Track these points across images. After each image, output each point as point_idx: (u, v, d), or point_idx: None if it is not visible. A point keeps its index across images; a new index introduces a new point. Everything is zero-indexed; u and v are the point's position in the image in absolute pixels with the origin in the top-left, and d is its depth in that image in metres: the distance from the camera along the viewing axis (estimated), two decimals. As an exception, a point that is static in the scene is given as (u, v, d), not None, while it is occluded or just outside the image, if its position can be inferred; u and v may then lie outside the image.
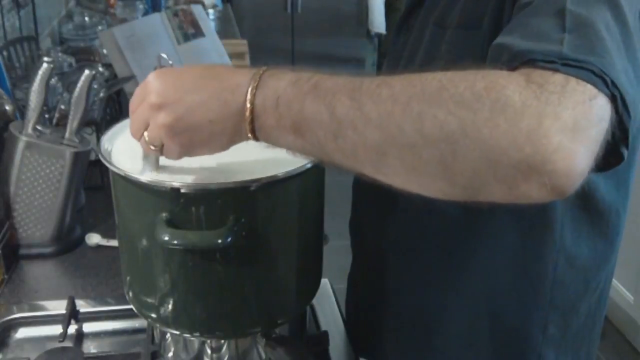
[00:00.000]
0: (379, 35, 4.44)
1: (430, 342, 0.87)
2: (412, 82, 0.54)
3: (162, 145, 0.64)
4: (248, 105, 0.59)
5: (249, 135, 0.61)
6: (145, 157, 0.70)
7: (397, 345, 0.91)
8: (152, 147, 0.65)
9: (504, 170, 0.50)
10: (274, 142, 0.61)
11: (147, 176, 0.69)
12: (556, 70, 0.52)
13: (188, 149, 0.64)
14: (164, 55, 0.84)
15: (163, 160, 0.70)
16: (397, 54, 0.86)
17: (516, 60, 0.55)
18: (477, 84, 0.51)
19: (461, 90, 0.51)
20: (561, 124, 0.49)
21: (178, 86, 0.62)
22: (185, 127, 0.62)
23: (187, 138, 0.63)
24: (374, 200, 0.89)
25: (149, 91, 0.63)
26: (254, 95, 0.59)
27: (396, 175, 0.56)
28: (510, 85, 0.51)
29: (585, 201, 0.77)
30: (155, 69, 0.71)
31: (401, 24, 0.86)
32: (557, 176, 0.49)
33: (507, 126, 0.49)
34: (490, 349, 0.84)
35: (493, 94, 0.50)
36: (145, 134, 0.65)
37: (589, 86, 0.51)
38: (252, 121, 0.60)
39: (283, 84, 0.58)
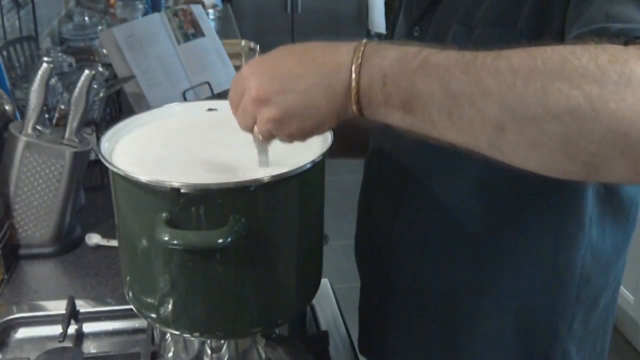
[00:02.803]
0: (379, 35, 4.44)
1: (455, 341, 0.87)
2: (532, 55, 0.52)
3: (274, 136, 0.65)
4: (354, 84, 0.58)
5: (356, 112, 0.60)
6: (261, 150, 0.70)
7: (419, 345, 0.91)
8: (266, 141, 0.66)
9: (631, 145, 0.49)
10: (381, 119, 0.60)
11: (262, 163, 0.70)
12: None
13: (300, 137, 0.64)
14: (253, 45, 0.81)
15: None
16: None
17: (619, 38, 0.54)
18: (601, 56, 0.50)
19: (585, 63, 0.50)
20: None
21: (277, 77, 0.62)
22: (293, 117, 0.61)
23: (296, 127, 0.62)
24: (396, 197, 0.88)
25: (248, 85, 0.63)
26: (358, 74, 0.58)
27: (514, 152, 0.54)
28: (631, 58, 0.50)
29: (611, 195, 0.78)
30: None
31: (412, 24, 0.85)
32: None
33: (634, 100, 0.48)
34: (516, 346, 0.84)
35: (618, 67, 0.49)
36: (256, 129, 0.65)
37: None
38: (358, 101, 0.59)
39: (388, 61, 0.57)
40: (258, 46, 0.81)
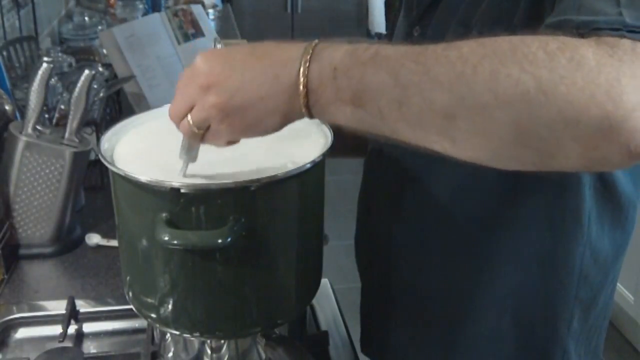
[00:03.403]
0: (379, 35, 4.44)
1: (454, 340, 0.87)
2: (481, 44, 0.52)
3: (206, 129, 0.63)
4: (302, 78, 0.57)
5: (303, 110, 0.59)
6: (186, 150, 0.68)
7: (420, 344, 0.91)
8: (196, 130, 0.63)
9: (582, 129, 0.48)
10: (330, 117, 0.59)
11: (182, 170, 0.69)
12: (622, 37, 0.51)
13: (239, 131, 0.63)
14: (217, 37, 0.80)
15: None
16: None
17: (580, 30, 0.54)
18: (550, 44, 0.50)
19: (534, 50, 0.50)
20: (638, 82, 0.48)
21: (227, 65, 0.61)
22: (237, 106, 0.60)
23: (239, 118, 0.61)
24: (395, 197, 0.88)
25: (197, 73, 0.61)
26: (307, 68, 0.57)
27: (465, 141, 0.53)
28: (582, 45, 0.50)
29: (609, 194, 0.78)
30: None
31: (412, 24, 0.85)
32: (638, 135, 0.48)
33: (584, 83, 0.48)
34: (515, 344, 0.84)
35: (567, 53, 0.49)
36: (189, 117, 0.63)
37: None
38: (306, 95, 0.58)
39: (339, 54, 0.57)
40: (221, 43, 0.80)
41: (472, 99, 0.51)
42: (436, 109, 0.53)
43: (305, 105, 0.58)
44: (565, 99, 0.48)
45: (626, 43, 0.51)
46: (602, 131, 0.48)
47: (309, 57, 0.57)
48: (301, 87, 0.58)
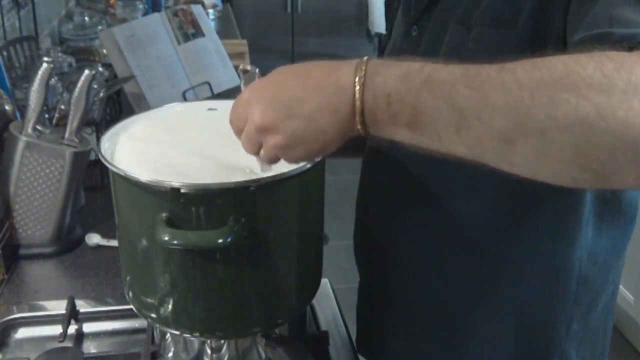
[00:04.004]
0: (379, 35, 4.44)
1: (453, 342, 0.87)
2: (536, 66, 0.52)
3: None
4: (358, 104, 0.58)
5: (361, 132, 0.60)
6: (264, 169, 0.70)
7: (418, 346, 0.91)
8: (272, 163, 0.67)
9: None
10: (387, 136, 0.60)
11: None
12: None
13: (306, 159, 0.66)
14: (252, 68, 0.80)
15: None
16: (407, 54, 0.85)
17: (623, 44, 0.54)
18: (606, 64, 0.50)
19: (590, 72, 0.50)
20: None
21: (280, 103, 0.61)
22: (299, 142, 0.62)
23: (302, 151, 0.63)
24: (393, 197, 0.88)
25: (251, 112, 0.63)
26: (362, 95, 0.58)
27: (524, 165, 0.54)
28: (637, 65, 0.50)
29: (610, 197, 0.78)
30: (242, 83, 0.72)
31: (410, 24, 0.85)
32: None
33: None
34: (515, 347, 0.84)
35: (624, 75, 0.49)
36: (261, 153, 0.65)
37: None
38: (363, 122, 0.59)
39: (391, 80, 0.57)
40: (257, 69, 0.79)
41: (531, 124, 0.51)
42: (494, 134, 0.53)
43: (363, 128, 0.60)
44: (623, 124, 0.49)
45: None
46: None
47: (362, 82, 0.58)
48: (358, 114, 0.59)
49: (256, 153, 0.66)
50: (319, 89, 0.60)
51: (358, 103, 0.58)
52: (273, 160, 0.66)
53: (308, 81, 0.61)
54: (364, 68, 0.59)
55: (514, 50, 0.68)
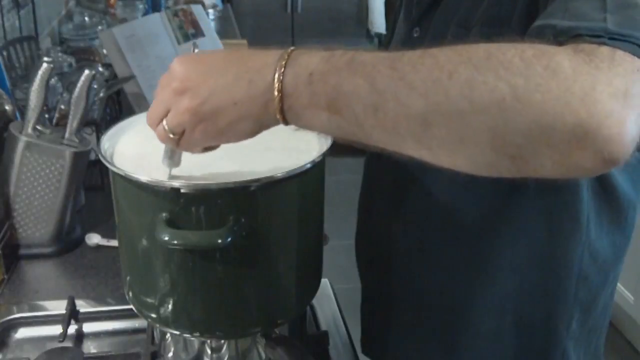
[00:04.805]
0: (379, 35, 4.44)
1: (455, 340, 0.87)
2: (457, 51, 0.53)
3: (182, 134, 0.62)
4: (276, 83, 0.57)
5: (278, 116, 0.58)
6: (169, 155, 0.68)
7: (420, 345, 0.91)
8: (171, 136, 0.63)
9: (557, 136, 0.49)
10: (305, 123, 0.58)
11: (159, 174, 0.69)
12: (603, 44, 0.52)
13: (212, 136, 0.62)
14: (196, 42, 0.80)
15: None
16: None
17: (561, 36, 0.54)
18: (526, 51, 0.50)
19: (510, 57, 0.50)
20: (613, 90, 0.49)
21: (202, 70, 0.60)
22: (210, 111, 0.59)
23: (212, 123, 0.60)
24: (395, 198, 0.88)
25: (173, 77, 0.61)
26: (282, 73, 0.57)
27: (440, 148, 0.53)
28: (560, 53, 0.50)
29: (608, 196, 0.78)
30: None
31: (412, 25, 0.85)
32: (611, 142, 0.48)
33: (559, 91, 0.48)
34: (515, 345, 0.84)
35: (543, 61, 0.50)
36: (164, 121, 0.62)
37: (636, 58, 0.51)
38: (281, 100, 0.57)
39: (315, 60, 0.57)
40: (197, 47, 0.80)
41: (448, 105, 0.51)
42: (412, 115, 0.53)
43: (279, 110, 0.58)
44: (540, 107, 0.49)
45: (605, 50, 0.51)
46: (576, 138, 0.48)
47: (284, 62, 0.57)
48: (276, 92, 0.57)
49: (159, 120, 0.63)
50: (241, 63, 0.60)
51: (277, 82, 0.57)
52: (176, 130, 0.62)
53: (234, 56, 0.61)
54: (289, 51, 0.58)
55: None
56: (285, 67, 0.57)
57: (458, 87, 0.51)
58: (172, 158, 0.69)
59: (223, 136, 0.62)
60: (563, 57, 0.50)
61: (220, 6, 3.41)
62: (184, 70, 0.61)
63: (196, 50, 0.73)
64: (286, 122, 0.59)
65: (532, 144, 0.50)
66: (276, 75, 0.57)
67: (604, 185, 0.78)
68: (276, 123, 0.59)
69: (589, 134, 0.48)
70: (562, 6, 0.59)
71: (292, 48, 0.59)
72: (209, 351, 0.81)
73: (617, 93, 0.48)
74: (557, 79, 0.49)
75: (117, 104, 1.67)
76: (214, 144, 0.64)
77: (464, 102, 0.50)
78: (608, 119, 0.48)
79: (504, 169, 0.53)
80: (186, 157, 0.72)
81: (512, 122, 0.49)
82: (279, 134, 0.65)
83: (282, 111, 0.58)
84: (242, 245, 0.69)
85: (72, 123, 1.15)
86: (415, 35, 0.83)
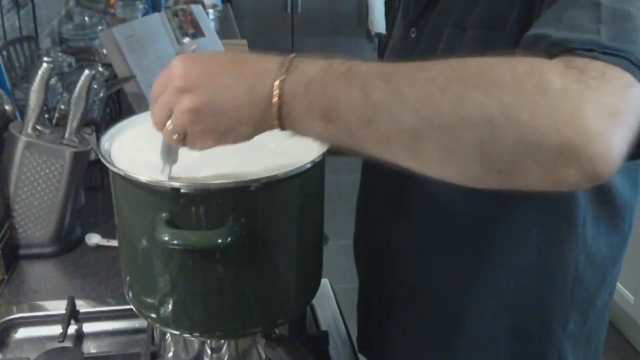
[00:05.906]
0: (379, 35, 4.44)
1: (451, 341, 0.87)
2: (451, 66, 0.53)
3: (185, 134, 0.63)
4: (276, 90, 0.58)
5: (275, 122, 0.59)
6: (166, 151, 0.68)
7: (416, 345, 0.91)
8: (175, 137, 0.63)
9: (544, 153, 0.50)
10: (301, 130, 0.59)
11: (164, 172, 0.69)
12: (595, 58, 0.52)
13: (212, 138, 0.62)
14: (188, 40, 0.80)
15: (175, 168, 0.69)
16: (405, 55, 0.85)
17: (554, 49, 0.55)
18: (518, 67, 0.51)
19: (501, 74, 0.51)
20: (601, 109, 0.49)
21: (204, 70, 0.61)
22: (211, 112, 0.60)
23: (212, 124, 0.61)
24: (393, 198, 0.88)
25: (173, 76, 0.61)
26: (282, 81, 0.58)
27: (430, 161, 0.55)
28: (550, 70, 0.51)
29: (605, 197, 0.78)
30: (177, 54, 0.68)
31: (409, 26, 0.85)
32: (597, 160, 0.49)
33: (548, 109, 0.49)
34: (511, 346, 0.84)
35: (534, 77, 0.50)
36: (169, 122, 0.63)
37: (627, 74, 0.52)
38: (279, 107, 0.58)
39: (314, 69, 0.57)
40: (194, 45, 0.80)
41: (438, 120, 0.52)
42: (403, 129, 0.54)
43: (277, 117, 0.59)
44: (528, 125, 0.49)
45: (597, 66, 0.52)
46: (562, 156, 0.49)
47: (285, 69, 0.58)
48: (275, 99, 0.58)
49: (164, 122, 0.63)
50: (243, 67, 0.60)
51: (277, 89, 0.58)
52: (179, 130, 0.62)
53: (236, 59, 0.62)
54: (290, 58, 0.59)
55: (505, 52, 0.69)
56: (285, 74, 0.58)
57: (449, 102, 0.52)
58: (170, 156, 0.69)
59: (221, 138, 0.62)
60: (554, 75, 0.51)
61: (220, 6, 3.41)
62: (184, 69, 0.61)
63: (193, 47, 0.74)
64: (283, 128, 0.60)
65: (519, 160, 0.51)
66: (277, 83, 0.58)
67: (600, 187, 0.78)
68: (274, 128, 0.60)
69: (575, 152, 0.49)
70: (557, 15, 0.59)
71: (293, 55, 0.59)
72: (209, 351, 0.81)
73: (604, 112, 0.49)
74: (545, 97, 0.49)
75: (117, 104, 1.67)
76: (211, 145, 0.64)
77: (453, 118, 0.51)
78: (594, 137, 0.49)
79: (492, 182, 0.54)
80: (186, 157, 0.72)
81: (500, 138, 0.50)
82: (279, 134, 0.65)
83: (280, 117, 0.59)
84: (242, 245, 0.69)
85: (72, 123, 1.15)
86: (412, 35, 0.84)
